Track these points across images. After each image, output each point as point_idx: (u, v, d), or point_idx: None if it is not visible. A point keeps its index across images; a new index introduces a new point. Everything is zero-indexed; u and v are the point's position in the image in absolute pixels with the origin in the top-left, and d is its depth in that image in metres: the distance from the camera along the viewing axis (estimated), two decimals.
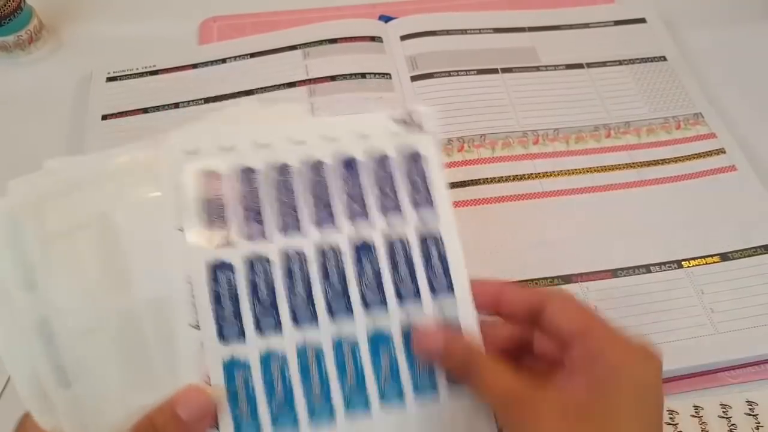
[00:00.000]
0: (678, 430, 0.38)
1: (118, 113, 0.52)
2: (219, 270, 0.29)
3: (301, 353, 0.29)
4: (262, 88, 0.53)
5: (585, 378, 0.26)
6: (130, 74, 0.55)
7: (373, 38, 0.57)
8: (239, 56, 0.56)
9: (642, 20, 0.59)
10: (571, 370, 0.27)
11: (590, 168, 0.49)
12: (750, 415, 0.38)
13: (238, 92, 0.53)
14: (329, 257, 0.30)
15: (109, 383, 0.28)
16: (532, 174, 0.49)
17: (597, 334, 0.27)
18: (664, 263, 0.44)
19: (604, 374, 0.26)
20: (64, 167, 0.30)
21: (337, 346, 0.29)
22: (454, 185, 0.48)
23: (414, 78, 0.54)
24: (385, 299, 0.30)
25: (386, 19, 0.59)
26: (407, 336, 0.29)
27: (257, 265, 0.29)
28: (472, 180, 0.48)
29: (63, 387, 0.28)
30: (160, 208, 0.29)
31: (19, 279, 0.28)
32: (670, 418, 0.38)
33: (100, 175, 0.30)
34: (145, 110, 0.52)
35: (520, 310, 0.30)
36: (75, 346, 0.28)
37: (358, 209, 0.31)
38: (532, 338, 0.30)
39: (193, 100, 0.53)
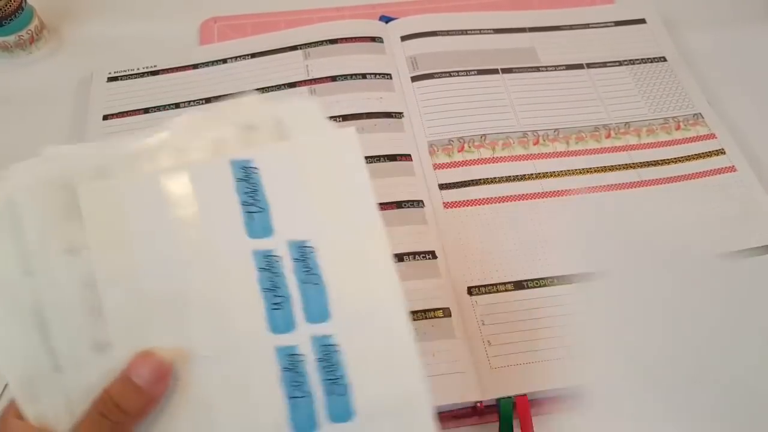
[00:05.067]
0: None
1: (119, 113, 0.52)
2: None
3: None
4: (262, 88, 0.53)
5: None
6: (131, 74, 0.55)
7: (373, 38, 0.57)
8: (240, 56, 0.56)
9: (642, 21, 0.60)
10: None
11: (590, 168, 0.50)
12: None
13: (239, 92, 0.53)
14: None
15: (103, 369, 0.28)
16: (532, 174, 0.49)
17: None
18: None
19: None
20: (65, 154, 0.29)
21: None
22: (455, 185, 0.48)
23: (414, 78, 0.54)
24: None
25: (387, 19, 0.59)
26: None
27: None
28: (472, 180, 0.48)
29: (55, 372, 0.27)
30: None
31: (16, 264, 0.28)
32: None
33: (122, 159, 0.29)
34: (146, 110, 0.52)
35: None
36: (71, 331, 0.28)
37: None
38: None
39: (193, 101, 0.53)
